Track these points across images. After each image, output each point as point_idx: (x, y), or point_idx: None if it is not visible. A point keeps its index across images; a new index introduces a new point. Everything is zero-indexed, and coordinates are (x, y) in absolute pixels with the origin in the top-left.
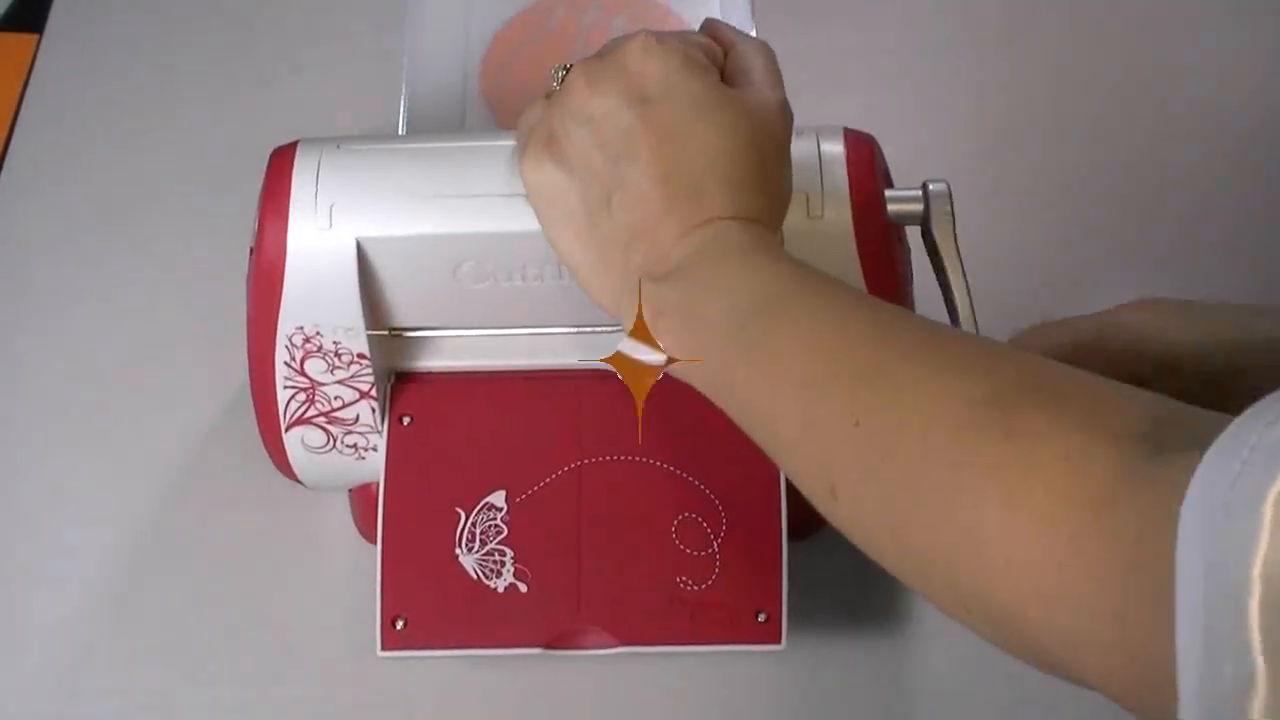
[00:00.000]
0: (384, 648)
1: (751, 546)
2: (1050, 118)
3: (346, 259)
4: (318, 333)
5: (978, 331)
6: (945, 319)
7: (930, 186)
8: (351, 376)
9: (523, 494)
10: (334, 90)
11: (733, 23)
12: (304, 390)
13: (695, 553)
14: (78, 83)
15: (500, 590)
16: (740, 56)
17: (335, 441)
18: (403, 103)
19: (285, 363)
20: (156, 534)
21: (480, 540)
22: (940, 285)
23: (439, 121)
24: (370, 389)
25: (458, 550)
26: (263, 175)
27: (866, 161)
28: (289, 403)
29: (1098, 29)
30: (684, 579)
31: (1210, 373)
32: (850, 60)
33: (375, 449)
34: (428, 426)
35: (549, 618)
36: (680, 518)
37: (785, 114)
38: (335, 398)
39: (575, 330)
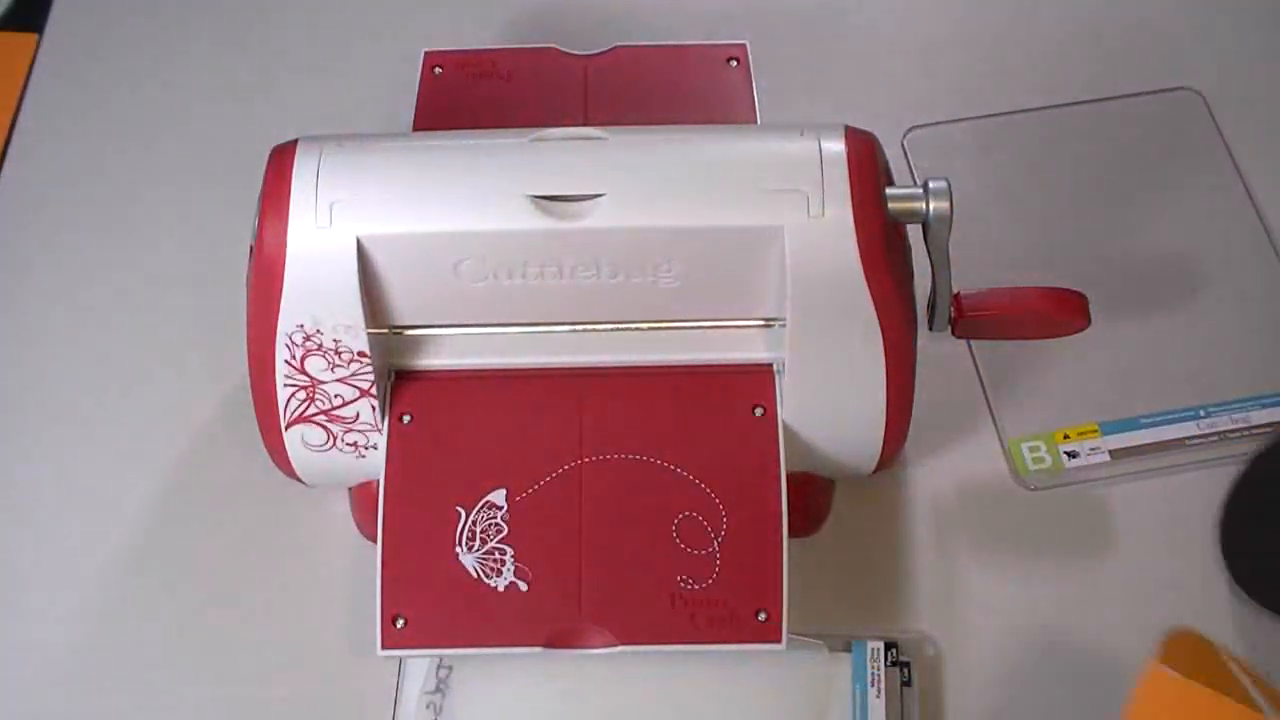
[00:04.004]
0: (384, 646)
1: (752, 546)
2: (1053, 116)
3: (347, 257)
4: (318, 331)
5: (949, 328)
6: None
7: (931, 184)
8: (352, 374)
9: (523, 492)
10: (335, 89)
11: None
12: (304, 388)
13: (695, 552)
14: (78, 83)
15: (500, 589)
16: None
17: (335, 439)
18: None
19: (285, 361)
20: (156, 532)
21: (480, 539)
22: (932, 283)
23: None
24: (370, 387)
25: (458, 549)
26: (263, 173)
27: (867, 160)
28: (289, 401)
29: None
30: (684, 578)
31: None
32: (851, 58)
33: (375, 447)
34: (428, 425)
35: (549, 617)
36: (680, 517)
37: None
38: (335, 396)
39: (576, 328)
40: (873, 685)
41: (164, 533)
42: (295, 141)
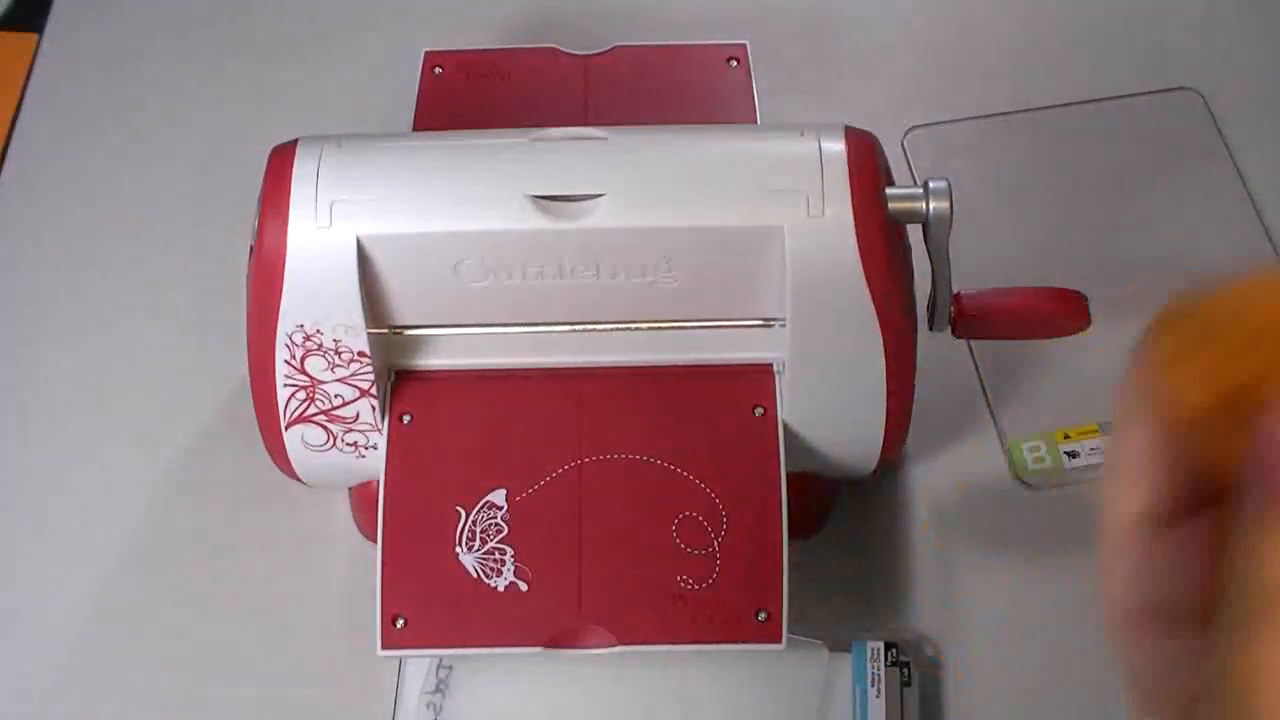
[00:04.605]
0: (384, 647)
1: (752, 546)
2: (1053, 116)
3: (347, 257)
4: (318, 331)
5: (949, 328)
6: None
7: (931, 184)
8: (352, 374)
9: (523, 492)
10: (335, 89)
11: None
12: (304, 388)
13: (695, 552)
14: (78, 83)
15: (500, 589)
16: None
17: (335, 440)
18: None
19: (285, 361)
20: (156, 532)
21: (480, 539)
22: (932, 283)
23: None
24: (370, 387)
25: (458, 549)
26: (263, 173)
27: (867, 159)
28: (289, 401)
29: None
30: (684, 578)
31: None
32: (851, 58)
33: (375, 447)
34: (428, 425)
35: (549, 617)
36: (680, 517)
37: None
38: (335, 396)
39: (576, 328)
40: (873, 685)
41: (164, 533)
42: (295, 141)
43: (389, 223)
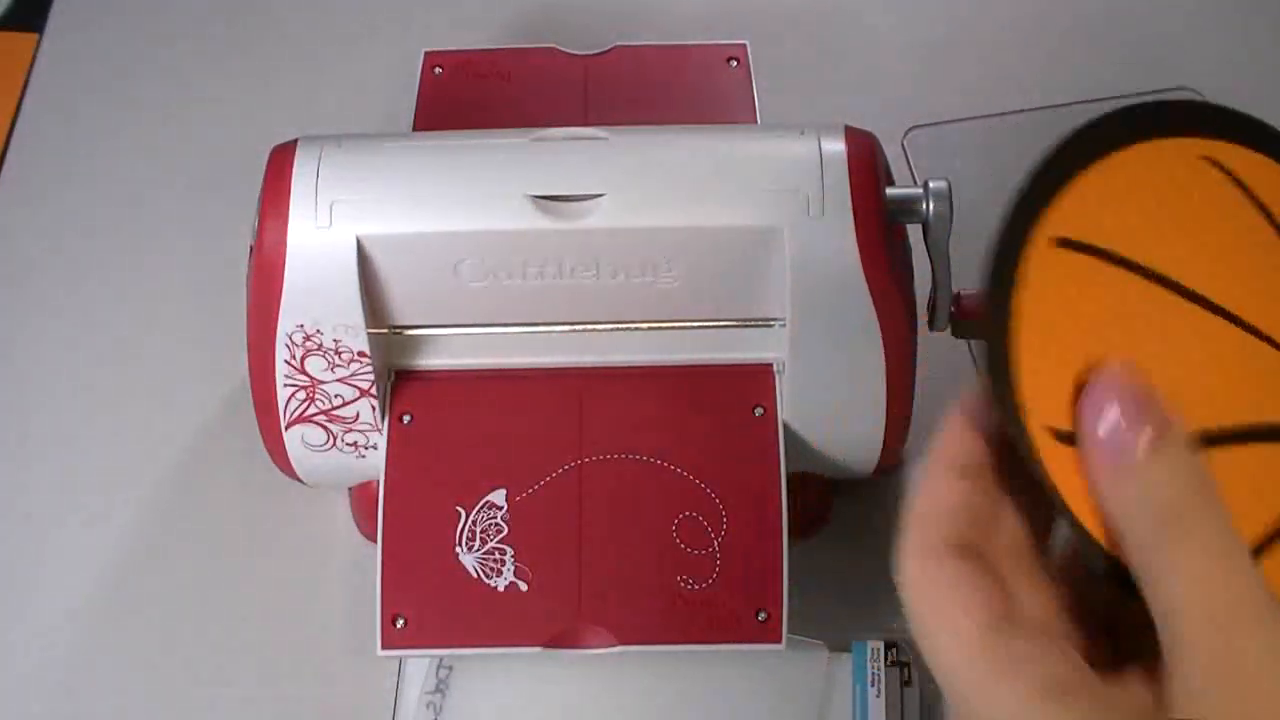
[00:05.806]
0: (384, 647)
1: (752, 546)
2: (1053, 116)
3: (347, 256)
4: (318, 330)
5: (949, 328)
6: None
7: (931, 184)
8: (352, 374)
9: (523, 492)
10: (335, 89)
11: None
12: (304, 388)
13: (695, 552)
14: (78, 83)
15: (500, 589)
16: None
17: (335, 439)
18: None
19: (285, 361)
20: (156, 533)
21: (481, 539)
22: (932, 283)
23: None
24: (370, 387)
25: (458, 549)
26: (263, 173)
27: (867, 159)
28: (289, 401)
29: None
30: (684, 578)
31: None
32: (851, 58)
33: (375, 447)
34: (428, 424)
35: (549, 617)
36: (680, 517)
37: None
38: (335, 396)
39: (576, 328)
40: (873, 685)
41: (164, 533)
42: (295, 141)
43: (389, 223)
